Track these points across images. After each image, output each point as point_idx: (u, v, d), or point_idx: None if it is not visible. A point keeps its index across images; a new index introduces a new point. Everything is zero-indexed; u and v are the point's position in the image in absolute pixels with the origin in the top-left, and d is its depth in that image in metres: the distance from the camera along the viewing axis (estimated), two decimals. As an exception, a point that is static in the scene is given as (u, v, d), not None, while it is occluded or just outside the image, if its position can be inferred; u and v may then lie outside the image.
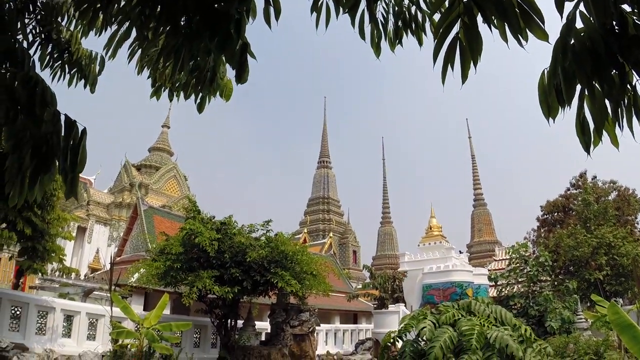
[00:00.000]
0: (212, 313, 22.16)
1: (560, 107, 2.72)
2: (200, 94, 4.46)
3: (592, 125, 2.72)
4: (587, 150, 2.75)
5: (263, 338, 26.19)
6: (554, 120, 2.80)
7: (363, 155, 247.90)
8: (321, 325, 30.71)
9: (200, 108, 4.56)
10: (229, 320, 22.72)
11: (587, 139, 2.74)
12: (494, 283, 27.55)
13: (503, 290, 25.21)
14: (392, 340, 9.90)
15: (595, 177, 42.01)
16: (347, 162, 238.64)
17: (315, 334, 27.18)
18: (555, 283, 29.41)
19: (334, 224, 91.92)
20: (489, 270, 33.21)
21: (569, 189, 43.48)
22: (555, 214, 43.80)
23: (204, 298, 21.32)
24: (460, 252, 37.92)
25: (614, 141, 2.84)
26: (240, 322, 23.45)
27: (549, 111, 2.77)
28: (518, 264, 25.32)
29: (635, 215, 41.53)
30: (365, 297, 45.61)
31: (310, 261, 22.36)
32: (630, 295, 30.24)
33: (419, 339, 9.45)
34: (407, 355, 9.02)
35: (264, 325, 25.99)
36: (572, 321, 21.60)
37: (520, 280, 25.50)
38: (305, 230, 71.98)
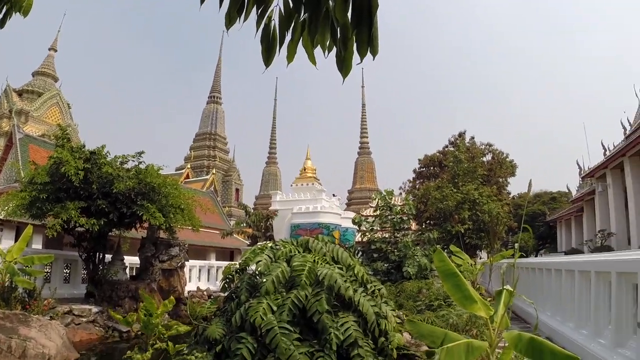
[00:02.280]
0: (80, 246, 21.51)
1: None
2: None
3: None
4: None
5: (134, 273, 26.10)
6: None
7: (257, 92, 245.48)
8: (194, 261, 30.86)
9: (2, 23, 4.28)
10: (97, 254, 22.19)
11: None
12: (357, 227, 28.33)
13: (367, 234, 26.00)
14: (232, 273, 10.11)
15: (473, 137, 43.53)
16: (240, 98, 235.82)
17: (184, 269, 27.31)
18: (419, 232, 30.80)
19: (219, 161, 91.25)
20: (362, 215, 34.13)
21: (447, 146, 44.81)
22: (432, 168, 45.27)
23: (71, 231, 20.53)
24: (334, 195, 38.74)
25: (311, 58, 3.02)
26: (109, 257, 23.15)
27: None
28: (383, 211, 26.13)
29: (506, 178, 43.53)
30: (241, 234, 46.02)
31: (179, 195, 22.09)
32: (488, 249, 32.04)
33: (256, 272, 9.62)
34: (243, 288, 9.20)
35: (135, 260, 25.67)
36: (428, 268, 22.58)
37: (384, 226, 26.34)
38: (189, 166, 71.35)
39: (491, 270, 18.29)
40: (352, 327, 8.43)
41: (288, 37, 2.93)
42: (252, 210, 41.90)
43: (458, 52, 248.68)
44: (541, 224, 54.66)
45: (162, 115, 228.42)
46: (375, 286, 9.73)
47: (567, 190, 52.41)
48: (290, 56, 2.99)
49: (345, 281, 8.90)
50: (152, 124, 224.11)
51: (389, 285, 19.82)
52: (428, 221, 36.03)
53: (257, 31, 2.94)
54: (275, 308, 8.49)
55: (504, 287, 7.40)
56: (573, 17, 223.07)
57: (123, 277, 23.00)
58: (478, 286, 20.94)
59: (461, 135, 43.39)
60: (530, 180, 8.48)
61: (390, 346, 8.84)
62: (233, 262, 10.62)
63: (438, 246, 10.36)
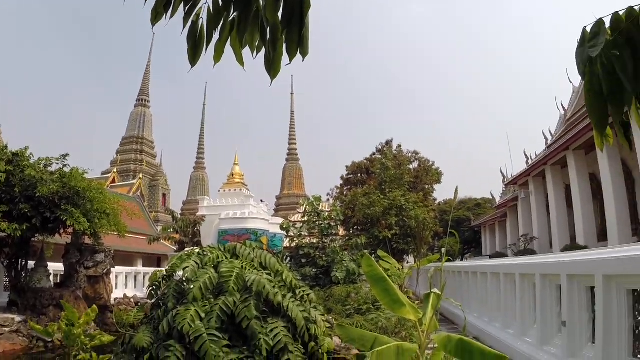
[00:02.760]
0: (1, 252, 20.64)
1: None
2: None
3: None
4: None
5: (59, 280, 25.33)
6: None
7: (186, 96, 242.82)
8: (121, 267, 30.16)
9: None
10: (19, 261, 21.49)
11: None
12: (285, 233, 28.35)
13: (295, 240, 26.01)
14: (159, 280, 9.91)
15: (400, 145, 44.20)
16: (169, 101, 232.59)
17: (110, 276, 26.70)
18: (347, 238, 31.04)
19: (146, 165, 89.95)
20: (290, 221, 34.14)
21: (374, 154, 45.41)
22: (359, 175, 45.81)
23: None
24: (262, 201, 38.62)
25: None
26: (32, 263, 22.43)
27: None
28: (311, 217, 26.18)
29: (432, 185, 44.32)
30: (168, 240, 45.41)
31: (104, 199, 21.57)
32: (415, 254, 32.53)
33: (183, 279, 9.46)
34: (170, 295, 9.02)
35: (59, 267, 24.89)
36: (357, 273, 22.70)
37: (312, 232, 26.40)
38: (115, 170, 69.90)
39: (418, 274, 18.55)
40: (282, 333, 8.34)
41: (216, 36, 2.87)
42: (179, 216, 41.44)
43: (383, 62, 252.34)
44: (466, 229, 55.80)
45: (89, 117, 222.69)
46: (304, 291, 9.67)
47: (491, 197, 53.69)
48: (218, 56, 2.89)
49: (273, 287, 8.80)
50: (79, 125, 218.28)
51: (318, 290, 19.84)
52: (356, 227, 36.36)
53: (183, 28, 2.86)
54: (203, 315, 8.31)
55: (432, 290, 7.49)
56: (493, 34, 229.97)
57: (47, 284, 22.24)
58: (406, 290, 21.17)
59: (388, 143, 44.04)
60: (457, 187, 8.61)
61: (320, 351, 8.82)
62: (160, 269, 10.36)
63: (366, 251, 10.41)
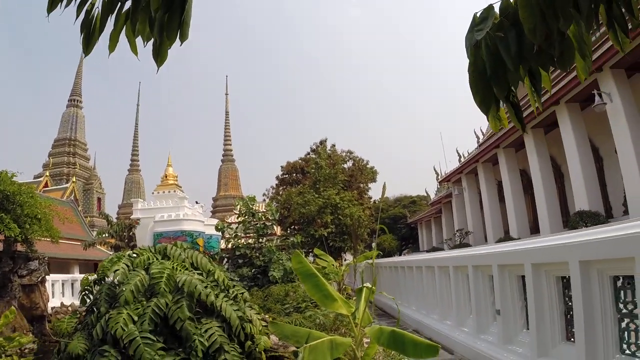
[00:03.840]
0: None
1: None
2: None
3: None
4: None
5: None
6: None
7: (119, 97, 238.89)
8: (56, 275, 29.44)
9: None
10: (-53, 272, 20.93)
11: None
12: (220, 234, 28.16)
13: (231, 240, 25.86)
14: (91, 284, 9.70)
15: (334, 145, 44.20)
16: (101, 103, 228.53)
17: (45, 285, 26.09)
18: (284, 237, 31.00)
19: (79, 169, 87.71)
20: (226, 222, 33.89)
21: (309, 153, 45.27)
22: (294, 174, 45.64)
23: None
24: (197, 202, 38.02)
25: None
26: (-39, 275, 21.75)
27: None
28: (246, 217, 26.06)
29: (367, 183, 44.60)
30: (104, 245, 44.45)
31: (34, 204, 21.03)
32: (352, 251, 32.76)
33: (115, 282, 9.27)
34: (102, 299, 8.81)
35: (-8, 278, 24.16)
36: (294, 272, 22.72)
37: (248, 232, 26.26)
38: (47, 174, 68.06)
39: (356, 270, 18.66)
40: (217, 333, 8.18)
41: (110, 26, 2.84)
42: (114, 220, 40.62)
43: (319, 63, 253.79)
44: (403, 226, 56.30)
45: (20, 119, 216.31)
46: (237, 291, 9.54)
47: (425, 194, 54.26)
48: (112, 45, 2.81)
49: (206, 287, 8.65)
50: (9, 128, 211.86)
51: (256, 290, 19.77)
52: (293, 226, 36.36)
53: (76, 18, 2.81)
54: (136, 318, 8.07)
55: (364, 284, 7.54)
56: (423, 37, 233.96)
57: (-21, 296, 21.66)
58: (344, 287, 21.27)
59: (322, 142, 43.96)
60: (385, 183, 8.70)
61: (257, 349, 8.77)
62: (92, 274, 10.12)
63: (297, 250, 10.46)
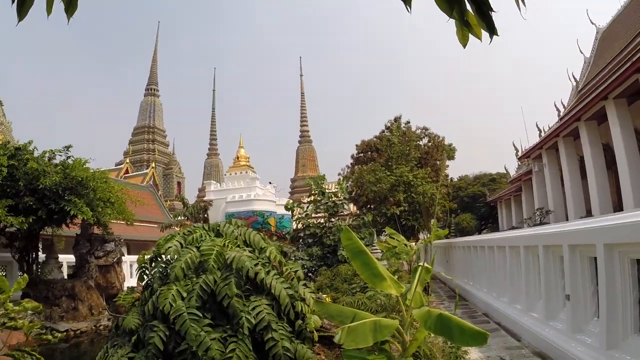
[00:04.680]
0: (12, 247, 21.03)
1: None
2: None
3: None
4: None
5: (71, 272, 25.36)
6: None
7: (195, 84, 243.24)
8: (133, 256, 30.05)
9: None
10: (30, 254, 21.67)
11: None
12: (290, 213, 28.11)
13: (301, 220, 25.75)
14: (146, 262, 9.68)
15: (409, 122, 43.45)
16: (177, 90, 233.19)
17: (122, 265, 26.66)
18: (357, 216, 30.68)
19: (158, 154, 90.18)
20: (295, 202, 33.92)
21: (383, 131, 44.67)
22: (369, 153, 45.07)
23: (2, 231, 20.08)
24: (270, 183, 38.29)
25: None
26: (43, 256, 22.53)
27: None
28: (316, 196, 25.88)
29: (443, 160, 43.74)
30: (181, 227, 45.19)
31: (107, 188, 21.54)
32: (425, 230, 32.18)
33: (169, 259, 9.27)
34: (156, 276, 8.87)
35: (71, 258, 24.93)
36: (364, 252, 22.40)
37: (318, 211, 26.08)
38: (128, 161, 70.01)
39: (426, 250, 18.27)
40: (265, 311, 8.09)
41: None
42: (189, 203, 41.22)
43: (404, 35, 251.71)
44: (482, 205, 55.14)
45: (99, 110, 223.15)
46: (290, 268, 9.39)
47: (505, 172, 53.06)
48: (49, 9, 2.59)
49: (256, 264, 8.54)
50: (90, 119, 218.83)
51: (325, 270, 19.57)
52: (368, 205, 36.04)
53: None
54: (184, 294, 8.12)
55: (419, 264, 7.14)
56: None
57: (59, 275, 22.40)
58: (415, 266, 20.82)
59: (397, 119, 43.32)
60: (445, 155, 8.26)
61: (307, 328, 8.55)
62: (149, 252, 10.11)
63: (346, 226, 10.15)
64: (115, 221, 23.11)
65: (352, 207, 40.13)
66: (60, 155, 20.98)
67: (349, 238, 7.03)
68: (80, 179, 19.80)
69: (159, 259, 9.39)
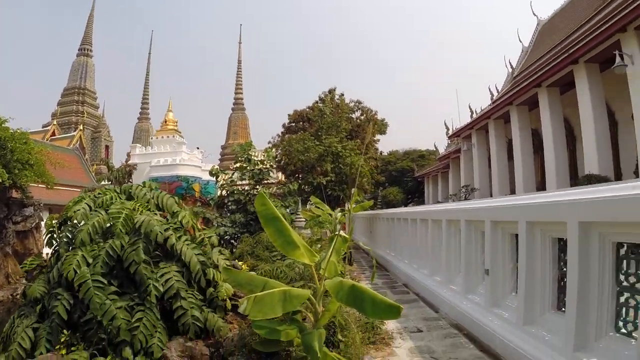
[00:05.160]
0: None
1: None
2: None
3: None
4: None
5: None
6: None
7: (131, 47, 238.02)
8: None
9: None
10: (-59, 221, 20.66)
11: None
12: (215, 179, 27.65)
13: (226, 186, 25.34)
14: (54, 226, 9.18)
15: (343, 94, 43.47)
16: (113, 52, 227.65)
17: (40, 230, 25.83)
18: (283, 184, 30.48)
19: (87, 117, 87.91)
20: (221, 168, 33.43)
21: (316, 102, 44.58)
22: (300, 123, 44.96)
23: None
24: (198, 148, 37.63)
25: None
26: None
27: None
28: (242, 163, 25.47)
29: (374, 134, 43.94)
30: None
31: (27, 150, 20.60)
32: (350, 201, 32.35)
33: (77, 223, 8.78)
34: (63, 241, 8.39)
35: (-13, 225, 23.90)
36: (289, 220, 22.19)
37: (243, 178, 25.69)
38: (55, 122, 67.89)
39: (351, 220, 18.25)
40: (175, 278, 7.75)
41: None
42: (114, 167, 40.26)
43: (336, 9, 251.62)
44: (410, 180, 55.99)
45: (25, 68, 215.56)
46: (204, 234, 9.02)
47: (434, 149, 53.76)
48: None
49: (167, 229, 8.13)
50: (14, 78, 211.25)
51: (247, 237, 19.25)
52: (296, 174, 35.95)
53: None
54: (90, 260, 7.64)
55: (336, 233, 6.91)
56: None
57: (-27, 242, 21.40)
58: (332, 235, 20.73)
59: (331, 91, 43.32)
60: (372, 123, 8.00)
61: (219, 296, 8.23)
62: (56, 215, 9.54)
63: (262, 192, 9.90)
64: (35, 184, 22.16)
65: (281, 176, 39.95)
66: None
67: (263, 204, 6.79)
68: (-3, 139, 18.83)
69: (68, 223, 8.87)
